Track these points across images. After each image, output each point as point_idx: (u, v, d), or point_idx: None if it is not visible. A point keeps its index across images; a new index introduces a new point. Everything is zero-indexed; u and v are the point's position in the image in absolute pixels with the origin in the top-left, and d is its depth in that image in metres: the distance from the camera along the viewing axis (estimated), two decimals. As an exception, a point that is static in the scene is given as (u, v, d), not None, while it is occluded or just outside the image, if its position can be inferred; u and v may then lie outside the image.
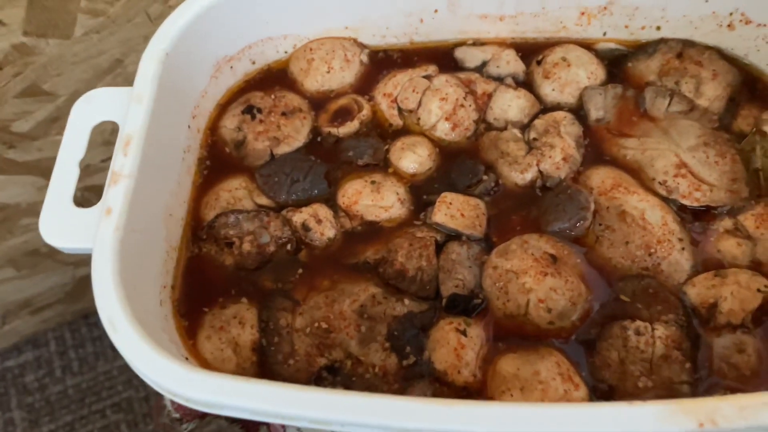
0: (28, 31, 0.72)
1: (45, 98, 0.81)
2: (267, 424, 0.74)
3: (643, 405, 0.36)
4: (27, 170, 0.90)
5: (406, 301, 0.49)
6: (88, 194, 1.00)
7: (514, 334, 0.47)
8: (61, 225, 0.46)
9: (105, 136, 0.88)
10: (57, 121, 0.85)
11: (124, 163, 0.45)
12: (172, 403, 0.66)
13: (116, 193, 0.44)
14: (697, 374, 0.44)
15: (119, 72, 0.82)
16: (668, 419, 0.35)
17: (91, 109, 0.50)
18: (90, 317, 1.38)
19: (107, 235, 0.43)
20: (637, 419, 0.35)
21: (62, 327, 1.36)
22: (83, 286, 1.25)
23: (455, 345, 0.46)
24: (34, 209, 0.98)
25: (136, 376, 1.33)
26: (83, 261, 1.19)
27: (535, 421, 0.35)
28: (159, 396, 0.68)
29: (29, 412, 1.29)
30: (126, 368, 1.34)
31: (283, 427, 0.67)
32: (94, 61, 0.79)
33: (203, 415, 0.69)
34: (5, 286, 1.13)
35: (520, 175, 0.54)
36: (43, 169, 0.92)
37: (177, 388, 0.38)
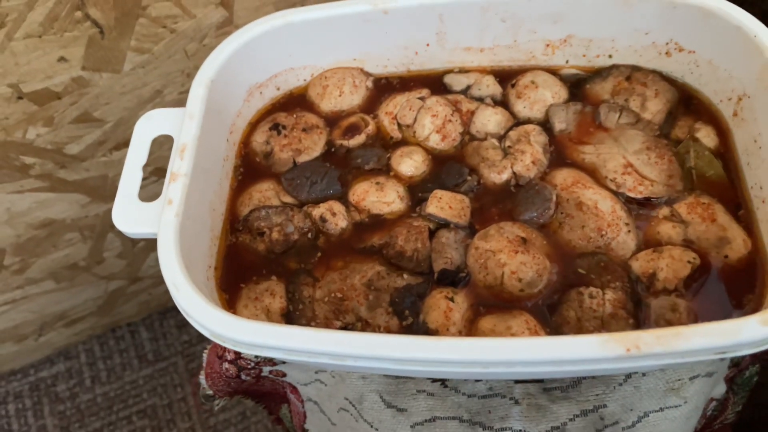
0: (86, 67, 0.80)
1: (95, 124, 0.89)
2: (288, 402, 0.81)
3: (586, 336, 0.44)
4: (74, 188, 0.98)
5: (405, 276, 0.56)
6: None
7: (492, 300, 0.54)
8: (130, 215, 0.55)
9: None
10: (103, 144, 0.93)
11: (180, 165, 0.54)
12: (207, 380, 0.73)
13: (175, 188, 0.53)
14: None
15: (158, 101, 0.90)
16: (604, 346, 0.43)
17: (151, 125, 0.59)
18: (117, 330, 1.44)
19: (170, 219, 0.52)
20: (581, 346, 0.43)
21: (92, 339, 1.42)
22: (113, 299, 1.30)
23: (445, 309, 0.53)
24: (77, 224, 1.05)
25: (160, 385, 1.39)
26: (115, 275, 1.25)
27: (504, 347, 0.44)
28: (195, 377, 0.76)
29: (61, 420, 1.35)
30: (150, 378, 1.42)
31: (302, 402, 0.75)
32: (138, 91, 0.88)
33: (232, 394, 0.76)
34: (44, 298, 1.18)
35: (497, 175, 0.60)
36: (88, 188, 0.99)
37: (227, 333, 0.47)
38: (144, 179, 1.00)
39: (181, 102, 0.83)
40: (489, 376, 0.56)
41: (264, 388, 0.75)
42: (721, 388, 0.67)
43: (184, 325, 1.47)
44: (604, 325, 0.52)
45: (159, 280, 1.35)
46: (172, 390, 1.38)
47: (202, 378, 0.72)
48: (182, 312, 0.49)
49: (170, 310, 1.48)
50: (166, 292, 1.39)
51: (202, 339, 1.47)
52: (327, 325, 0.55)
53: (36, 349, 1.35)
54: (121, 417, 1.36)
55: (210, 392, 0.73)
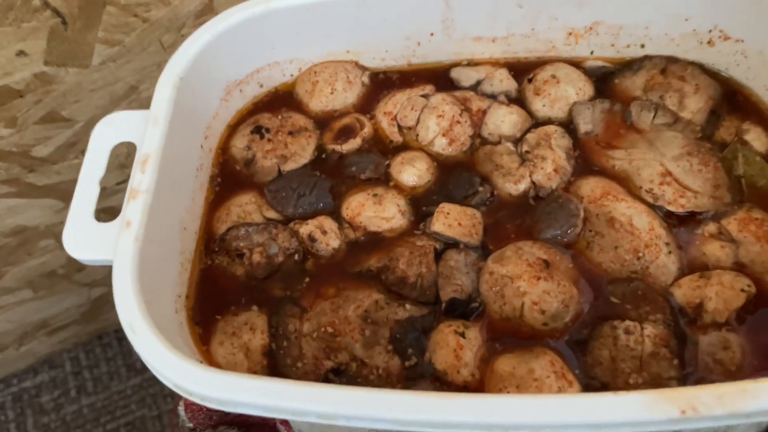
0: (48, 61, 0.75)
1: (63, 124, 0.84)
2: None
3: (629, 394, 0.38)
4: (46, 193, 0.93)
5: (408, 306, 0.51)
6: (104, 215, 1.03)
7: (510, 336, 0.49)
8: (84, 238, 0.49)
9: (120, 160, 0.91)
10: (75, 146, 0.88)
11: (141, 179, 0.48)
12: (186, 412, 0.68)
13: (135, 207, 0.47)
14: (685, 370, 0.46)
15: (134, 98, 0.85)
16: (652, 407, 0.37)
17: (110, 131, 0.53)
18: (104, 338, 1.39)
19: (127, 245, 0.45)
20: (624, 407, 0.37)
21: (77, 348, 1.38)
22: (98, 307, 1.27)
23: (454, 346, 0.48)
24: (52, 231, 1.01)
25: (150, 395, 1.33)
26: (98, 282, 1.21)
27: (530, 409, 0.38)
28: (174, 407, 0.71)
29: None
30: (139, 388, 1.37)
31: None
32: (111, 88, 0.82)
33: (215, 425, 0.71)
34: (23, 307, 1.14)
35: (513, 186, 0.56)
36: (61, 192, 0.94)
37: (193, 387, 0.41)
38: (114, 189, 0.95)
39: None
40: None
41: (251, 419, 0.71)
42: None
43: (174, 331, 1.42)
44: (643, 366, 0.47)
45: (146, 285, 1.30)
46: (161, 400, 1.34)
47: (181, 409, 0.68)
48: (142, 359, 0.42)
49: (159, 315, 1.43)
50: (154, 298, 1.36)
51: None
52: (316, 365, 0.50)
53: (18, 359, 1.31)
54: (109, 429, 1.31)
55: (190, 425, 0.68)
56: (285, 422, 0.68)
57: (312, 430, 0.65)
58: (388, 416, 0.39)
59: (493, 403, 0.38)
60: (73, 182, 0.92)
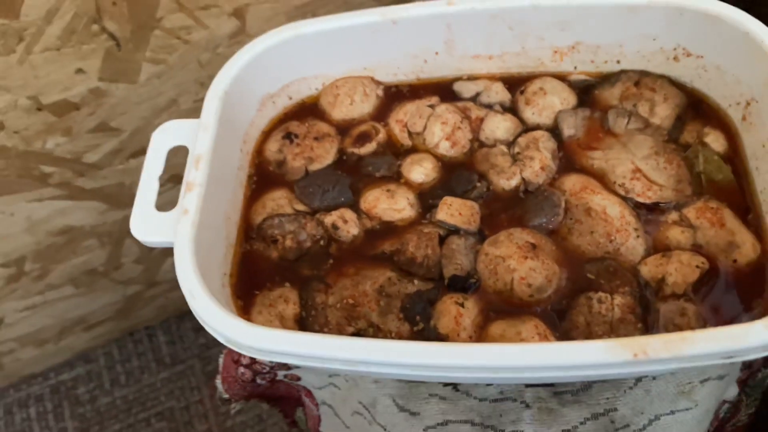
0: (102, 78, 0.82)
1: (111, 133, 0.91)
2: (303, 406, 0.82)
3: (593, 342, 0.45)
4: (92, 196, 1.00)
5: (416, 282, 0.56)
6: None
7: (502, 306, 0.55)
8: (147, 225, 0.56)
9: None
10: (120, 153, 0.95)
11: (196, 175, 0.55)
12: (223, 384, 0.75)
13: (191, 198, 0.54)
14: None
15: (174, 110, 0.92)
16: (611, 351, 0.43)
17: (166, 137, 0.60)
18: (135, 335, 1.45)
19: (185, 229, 0.53)
20: (589, 352, 0.44)
21: (111, 343, 1.44)
22: (131, 304, 1.33)
23: (455, 314, 0.54)
24: (95, 231, 1.07)
25: (178, 388, 1.40)
26: (133, 280, 1.27)
27: (513, 353, 0.44)
28: (212, 381, 0.77)
29: (81, 422, 1.37)
30: (168, 381, 1.43)
31: (317, 406, 0.76)
32: (154, 101, 0.89)
33: (247, 397, 0.77)
34: (64, 303, 1.21)
35: (506, 181, 0.60)
36: (105, 195, 1.01)
37: (242, 339, 0.48)
38: (160, 186, 1.02)
39: (195, 110, 0.85)
40: (499, 380, 0.56)
41: (279, 392, 0.76)
42: (733, 391, 0.67)
43: (200, 328, 1.47)
44: (613, 329, 0.53)
45: (175, 284, 1.35)
46: (189, 392, 1.39)
47: (218, 382, 0.73)
48: (198, 319, 0.51)
49: (187, 314, 1.48)
50: (183, 296, 1.41)
51: (218, 342, 1.47)
52: (339, 330, 0.55)
53: (56, 353, 1.37)
54: (140, 419, 1.37)
55: (226, 396, 0.74)
56: (309, 394, 0.75)
57: (333, 400, 0.72)
58: (399, 360, 0.45)
59: (482, 349, 0.45)
60: (117, 186, 1.00)
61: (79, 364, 1.44)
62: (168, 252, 1.22)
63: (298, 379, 0.72)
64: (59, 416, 1.39)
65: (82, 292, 1.21)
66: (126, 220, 1.08)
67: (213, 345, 1.47)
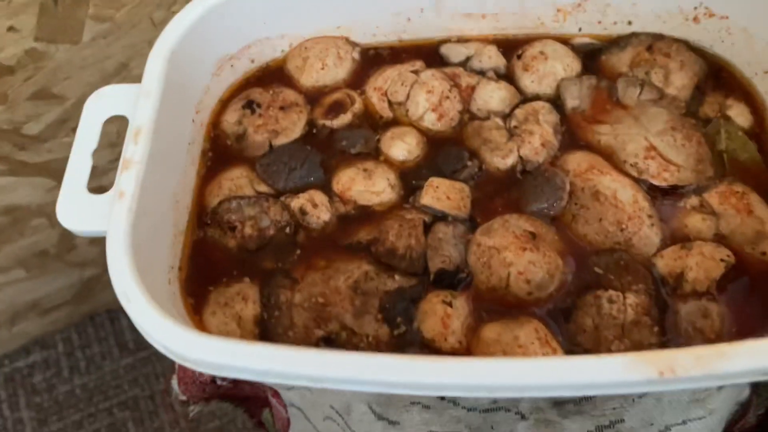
0: (39, 37, 0.76)
1: (54, 101, 0.85)
2: (270, 407, 0.77)
3: (609, 356, 0.39)
4: (37, 172, 0.94)
5: (397, 277, 0.52)
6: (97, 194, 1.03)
7: (496, 305, 0.50)
8: (77, 210, 0.49)
9: (111, 139, 0.92)
10: (65, 123, 0.89)
11: (135, 150, 0.49)
12: (179, 385, 0.69)
13: (128, 178, 0.48)
14: (665, 337, 0.48)
15: (124, 75, 0.86)
16: (631, 368, 0.38)
17: (102, 105, 0.54)
18: (96, 318, 1.40)
19: (121, 216, 0.46)
20: (604, 368, 0.38)
21: (69, 328, 1.39)
22: (90, 287, 1.28)
23: (442, 315, 0.49)
24: (43, 210, 1.02)
25: (142, 375, 1.35)
26: (90, 262, 1.22)
27: (514, 370, 0.39)
28: (167, 382, 0.72)
29: (38, 412, 1.32)
30: (131, 368, 1.38)
31: (285, 407, 0.71)
32: (101, 65, 0.84)
33: (207, 399, 0.72)
34: (15, 287, 1.16)
35: (501, 160, 0.56)
36: (53, 171, 0.96)
37: (188, 352, 0.41)
38: (106, 168, 0.95)
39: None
40: (494, 397, 0.50)
41: (243, 392, 0.72)
42: (745, 393, 0.63)
43: (166, 311, 1.43)
44: (625, 333, 0.48)
45: (138, 266, 1.31)
46: (154, 380, 1.36)
47: (174, 382, 0.70)
48: (136, 326, 0.44)
49: (151, 296, 1.44)
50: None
51: (185, 326, 1.43)
52: (307, 334, 0.51)
53: (10, 339, 1.33)
54: (101, 409, 1.33)
55: (183, 398, 0.70)
56: (276, 395, 0.70)
57: (303, 402, 0.67)
58: (377, 378, 0.40)
59: (478, 365, 0.39)
60: (65, 160, 0.93)
61: (35, 350, 1.39)
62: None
63: (264, 379, 0.66)
64: (14, 406, 1.34)
65: (33, 275, 1.17)
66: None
67: (180, 329, 1.42)
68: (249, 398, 0.76)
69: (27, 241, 1.07)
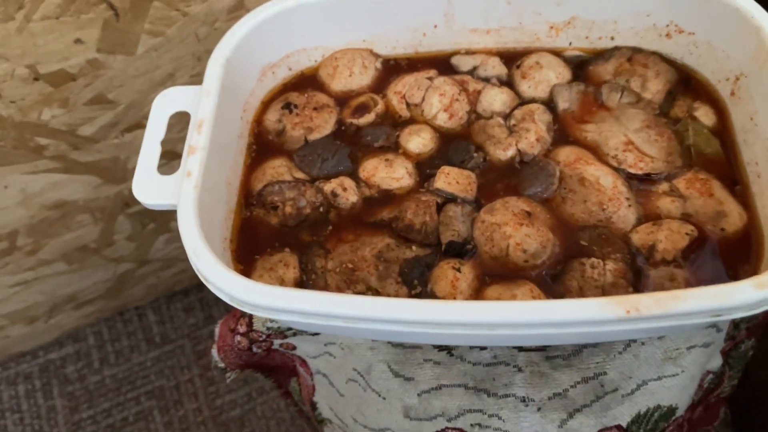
0: (100, 49, 0.81)
1: (108, 106, 0.89)
2: (297, 376, 0.83)
3: (587, 300, 0.46)
4: (86, 170, 0.98)
5: (414, 248, 0.57)
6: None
7: (498, 271, 0.55)
8: (150, 187, 0.56)
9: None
10: (116, 126, 0.93)
11: (198, 139, 0.56)
12: (219, 353, 0.75)
13: (194, 161, 0.55)
14: None
15: (170, 84, 0.90)
16: (605, 308, 0.45)
17: (167, 102, 0.61)
18: (125, 314, 1.45)
19: (189, 191, 0.53)
20: (583, 308, 0.45)
21: (100, 323, 1.44)
22: (122, 282, 1.31)
23: (452, 278, 0.55)
24: (88, 206, 1.05)
25: (168, 367, 1.42)
26: (124, 258, 1.25)
27: (509, 310, 0.46)
28: (208, 350, 0.77)
29: (70, 400, 1.37)
30: (158, 360, 1.44)
31: (311, 375, 0.77)
32: (151, 74, 0.88)
33: (243, 367, 0.78)
34: (56, 279, 1.19)
35: (502, 152, 0.61)
36: (100, 170, 0.99)
37: (244, 297, 0.48)
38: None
39: (191, 85, 0.84)
40: (495, 340, 0.58)
41: (274, 362, 0.77)
42: (717, 361, 0.69)
43: (191, 308, 1.49)
44: (605, 293, 0.54)
45: (167, 263, 1.37)
46: (179, 372, 1.40)
47: (214, 351, 0.74)
48: (202, 278, 0.51)
49: (177, 293, 1.51)
50: (174, 275, 1.41)
51: (208, 322, 1.49)
52: (339, 293, 0.56)
53: (45, 332, 1.36)
54: (129, 398, 1.37)
55: (222, 365, 0.75)
56: (304, 363, 0.76)
57: (328, 368, 0.72)
58: (399, 317, 0.46)
59: (481, 306, 0.46)
60: (111, 160, 1.00)
61: (68, 342, 1.44)
62: (160, 230, 1.22)
63: (294, 348, 0.73)
64: (48, 394, 1.39)
65: (73, 269, 1.20)
66: (119, 195, 1.08)
67: (203, 325, 1.48)
68: (278, 368, 0.80)
69: (71, 236, 1.10)
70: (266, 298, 0.49)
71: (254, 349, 0.71)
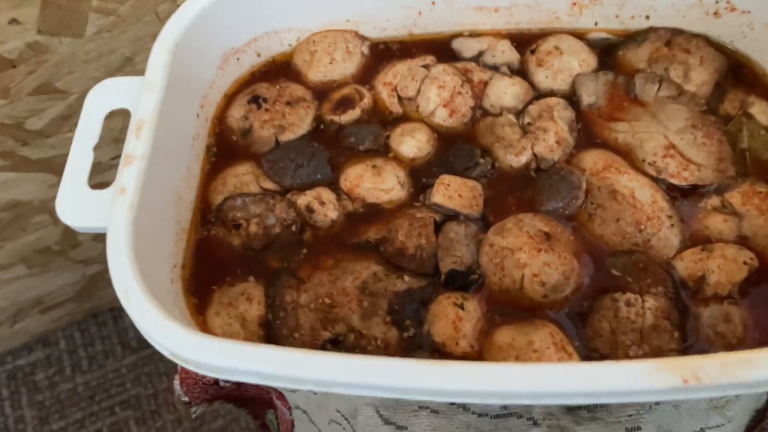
0: (42, 30, 0.75)
1: (57, 96, 0.84)
2: (274, 408, 0.76)
3: (631, 363, 0.38)
4: (40, 167, 0.93)
5: (406, 278, 0.51)
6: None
7: (510, 308, 0.50)
8: (77, 205, 0.49)
9: (115, 134, 0.91)
10: (69, 119, 0.88)
11: (136, 145, 0.48)
12: (182, 386, 0.68)
13: (129, 174, 0.47)
14: (686, 343, 0.47)
15: (129, 70, 0.85)
16: (654, 375, 0.37)
17: (104, 97, 0.53)
18: (99, 316, 1.41)
19: (122, 212, 0.45)
20: (626, 375, 0.38)
21: (72, 326, 1.39)
22: (93, 284, 1.28)
23: (453, 318, 0.49)
24: (46, 206, 1.01)
25: (145, 374, 1.34)
26: (93, 259, 1.22)
27: (530, 377, 0.38)
28: (170, 383, 0.71)
29: (39, 410, 1.31)
30: (134, 366, 1.38)
31: (289, 409, 0.70)
32: (105, 59, 0.83)
33: (210, 400, 0.72)
34: (17, 284, 1.15)
35: (515, 157, 0.56)
36: (55, 167, 0.95)
37: (190, 354, 0.41)
38: (109, 164, 0.95)
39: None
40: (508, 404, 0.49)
41: (247, 394, 0.72)
42: (763, 399, 0.62)
43: (170, 310, 1.44)
44: (643, 339, 0.47)
45: (141, 263, 1.31)
46: (157, 379, 1.36)
47: (176, 383, 0.70)
48: (137, 327, 0.43)
49: (155, 294, 1.44)
50: (150, 276, 1.36)
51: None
52: (313, 336, 0.50)
53: (12, 336, 1.33)
54: (104, 407, 1.33)
55: (186, 399, 0.70)
56: (281, 397, 0.69)
57: (308, 405, 0.66)
58: (385, 383, 0.39)
59: (492, 370, 0.39)
60: (67, 156, 0.93)
61: (37, 347, 1.39)
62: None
63: (268, 381, 0.65)
64: (16, 403, 1.34)
65: (36, 272, 1.16)
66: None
67: (183, 328, 1.42)
68: (253, 400, 0.76)
69: (29, 238, 1.06)
70: (216, 357, 0.41)
71: (222, 383, 0.66)
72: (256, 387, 0.70)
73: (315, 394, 0.63)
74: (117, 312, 1.42)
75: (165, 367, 1.37)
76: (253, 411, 0.80)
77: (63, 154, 0.94)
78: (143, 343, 1.39)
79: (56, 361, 1.37)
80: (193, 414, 0.73)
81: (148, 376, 1.35)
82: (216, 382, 0.66)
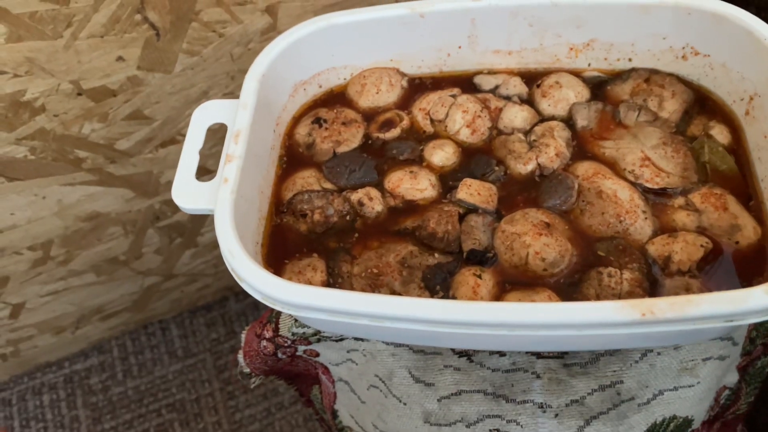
0: (141, 66, 0.85)
1: (144, 122, 0.94)
2: (319, 384, 0.85)
3: (603, 302, 0.47)
4: (121, 183, 1.03)
5: (436, 255, 0.58)
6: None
7: (517, 279, 0.57)
8: (188, 193, 0.59)
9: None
10: (151, 141, 0.98)
11: (235, 148, 0.59)
12: (245, 359, 0.77)
13: (230, 168, 0.57)
14: None
15: (204, 101, 0.92)
16: (620, 311, 0.46)
17: (206, 114, 0.64)
18: (149, 327, 1.49)
19: (225, 197, 0.56)
20: (598, 311, 0.47)
21: (124, 335, 1.48)
22: (148, 295, 1.35)
23: (473, 285, 0.57)
24: (120, 219, 1.10)
25: (189, 380, 1.45)
26: (152, 271, 1.29)
27: (529, 311, 0.48)
28: (234, 356, 0.80)
29: (93, 411, 1.40)
30: (180, 373, 1.47)
31: (333, 383, 0.79)
32: (186, 92, 0.93)
33: (267, 373, 0.80)
34: (86, 290, 1.23)
35: (523, 166, 0.63)
36: (134, 183, 1.04)
37: (276, 294, 0.51)
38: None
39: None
40: (513, 343, 0.59)
41: (297, 369, 0.78)
42: (733, 377, 0.69)
43: (213, 323, 1.52)
44: None
45: (191, 278, 1.40)
46: (200, 385, 1.43)
47: (240, 357, 0.76)
48: (236, 277, 0.53)
49: (200, 308, 1.54)
50: (198, 290, 1.44)
51: (230, 337, 1.51)
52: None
53: (72, 342, 1.40)
54: (151, 410, 1.40)
55: (247, 370, 0.76)
56: (326, 371, 0.78)
57: (350, 375, 0.74)
58: (422, 316, 0.48)
59: (500, 307, 0.48)
60: (145, 174, 1.04)
61: (93, 354, 1.48)
62: (186, 244, 1.25)
63: (317, 355, 0.75)
64: (72, 404, 1.42)
65: (102, 281, 1.24)
66: (151, 209, 1.12)
67: (224, 340, 1.51)
68: (301, 375, 0.81)
69: (102, 247, 1.14)
70: (297, 296, 0.51)
71: (279, 355, 0.73)
72: (306, 362, 0.76)
73: (357, 365, 0.69)
74: (164, 324, 1.50)
75: (207, 374, 1.44)
76: (300, 387, 0.85)
77: (141, 173, 1.03)
78: (188, 353, 1.46)
79: (109, 367, 1.45)
80: (252, 384, 0.80)
81: (192, 383, 1.43)
82: (274, 353, 0.73)
